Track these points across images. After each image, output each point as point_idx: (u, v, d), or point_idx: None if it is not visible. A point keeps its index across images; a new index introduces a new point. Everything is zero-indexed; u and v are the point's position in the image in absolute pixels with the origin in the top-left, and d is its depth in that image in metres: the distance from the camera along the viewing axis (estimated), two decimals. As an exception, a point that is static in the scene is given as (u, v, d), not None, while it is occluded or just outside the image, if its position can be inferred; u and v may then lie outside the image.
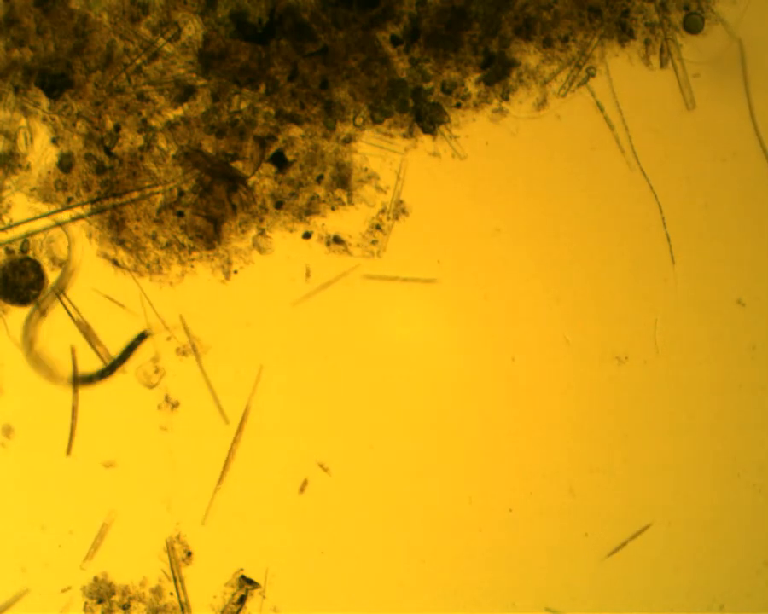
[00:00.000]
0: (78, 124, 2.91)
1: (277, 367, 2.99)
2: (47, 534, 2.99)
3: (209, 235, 2.93)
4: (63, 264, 2.87)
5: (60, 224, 2.92)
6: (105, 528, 2.98)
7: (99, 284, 2.95)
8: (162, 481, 2.99)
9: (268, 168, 2.94)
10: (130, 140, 2.91)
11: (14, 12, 2.87)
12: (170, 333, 2.96)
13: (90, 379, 2.93)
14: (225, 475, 2.98)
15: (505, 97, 2.95)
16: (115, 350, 2.96)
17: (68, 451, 2.96)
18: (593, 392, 3.01)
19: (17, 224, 2.92)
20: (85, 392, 2.98)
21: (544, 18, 2.93)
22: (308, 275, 2.91)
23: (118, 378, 2.97)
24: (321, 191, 2.95)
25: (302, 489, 2.96)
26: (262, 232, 2.95)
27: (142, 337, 2.82)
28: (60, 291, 2.72)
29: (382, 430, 3.00)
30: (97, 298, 2.96)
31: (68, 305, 2.93)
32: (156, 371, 2.96)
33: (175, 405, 2.97)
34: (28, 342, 2.87)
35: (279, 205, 2.95)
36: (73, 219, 2.93)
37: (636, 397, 3.02)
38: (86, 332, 2.91)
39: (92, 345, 2.93)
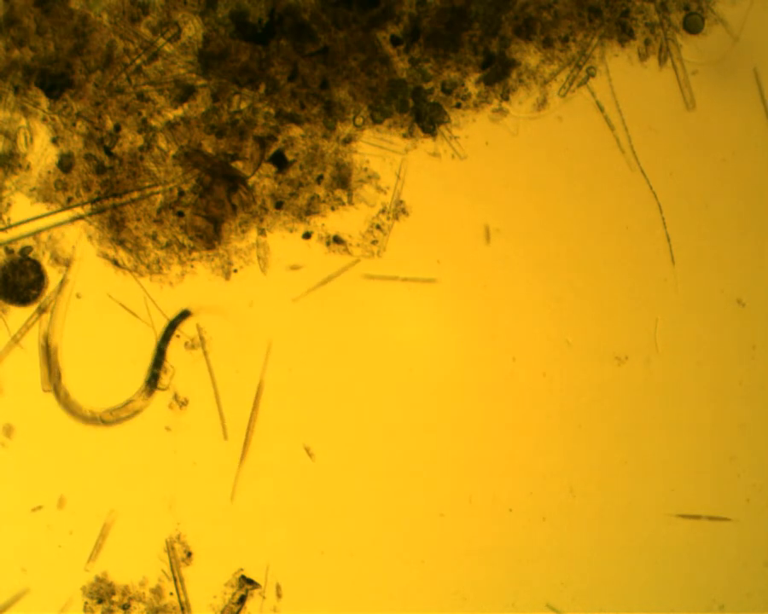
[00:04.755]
0: (78, 124, 2.91)
1: (278, 367, 2.99)
2: (47, 534, 2.99)
3: (209, 235, 2.93)
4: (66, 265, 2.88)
5: (60, 224, 2.93)
6: (106, 528, 2.98)
7: (99, 284, 2.95)
8: (163, 481, 2.99)
9: (268, 168, 2.94)
10: (130, 140, 2.91)
11: (14, 12, 2.87)
12: (178, 332, 2.96)
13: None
14: (226, 476, 2.99)
15: (505, 97, 2.95)
16: (110, 356, 2.97)
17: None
18: (593, 392, 3.01)
19: (17, 224, 2.92)
20: (85, 391, 2.98)
21: (544, 18, 2.93)
22: (295, 268, 2.90)
23: (117, 377, 2.97)
24: (321, 191, 2.95)
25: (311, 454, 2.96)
26: (262, 232, 2.95)
27: (184, 315, 2.81)
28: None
29: (382, 429, 3.00)
30: (95, 298, 2.97)
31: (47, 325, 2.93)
32: (165, 371, 2.96)
33: (184, 403, 2.97)
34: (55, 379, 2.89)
35: (279, 205, 2.95)
36: (73, 219, 2.93)
37: (636, 397, 3.02)
38: (47, 354, 2.92)
39: (48, 367, 2.93)
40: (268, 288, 2.98)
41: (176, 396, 2.96)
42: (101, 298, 2.96)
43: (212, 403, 2.98)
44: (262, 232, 2.95)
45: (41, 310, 2.93)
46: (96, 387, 2.98)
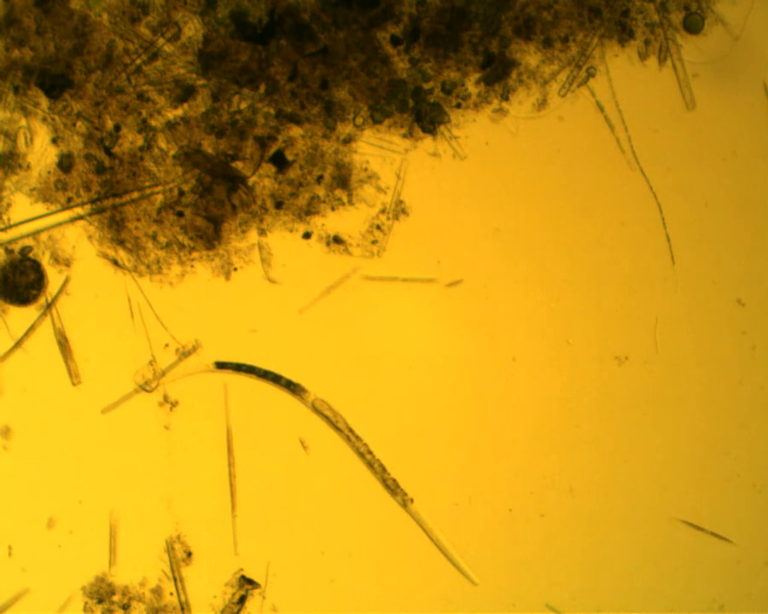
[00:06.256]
0: (78, 124, 2.91)
1: (277, 368, 2.99)
2: (47, 534, 2.99)
3: (209, 235, 2.93)
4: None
5: (60, 224, 2.93)
6: (114, 530, 2.98)
7: (99, 284, 2.96)
8: (162, 481, 2.99)
9: (268, 168, 2.94)
10: (130, 140, 2.91)
11: (14, 12, 2.87)
12: (169, 335, 2.96)
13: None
14: (228, 477, 2.99)
15: (505, 97, 2.95)
16: (110, 356, 2.97)
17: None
18: (593, 392, 3.01)
19: (17, 224, 2.92)
20: (83, 389, 2.98)
21: (544, 18, 2.93)
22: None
23: (118, 377, 2.97)
24: (321, 191, 2.95)
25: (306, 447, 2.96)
26: (262, 232, 2.95)
27: None
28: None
29: (382, 430, 3.00)
30: (95, 298, 2.97)
31: (56, 317, 2.93)
32: (154, 374, 2.96)
33: (174, 404, 2.97)
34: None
35: (279, 205, 2.95)
36: (73, 219, 2.93)
37: (636, 397, 3.02)
38: (64, 345, 2.91)
39: (65, 360, 2.93)
40: (267, 288, 2.98)
41: (166, 397, 2.97)
42: (100, 297, 2.96)
43: (210, 404, 2.98)
44: (262, 232, 2.95)
45: (42, 312, 2.93)
46: (93, 386, 2.99)
